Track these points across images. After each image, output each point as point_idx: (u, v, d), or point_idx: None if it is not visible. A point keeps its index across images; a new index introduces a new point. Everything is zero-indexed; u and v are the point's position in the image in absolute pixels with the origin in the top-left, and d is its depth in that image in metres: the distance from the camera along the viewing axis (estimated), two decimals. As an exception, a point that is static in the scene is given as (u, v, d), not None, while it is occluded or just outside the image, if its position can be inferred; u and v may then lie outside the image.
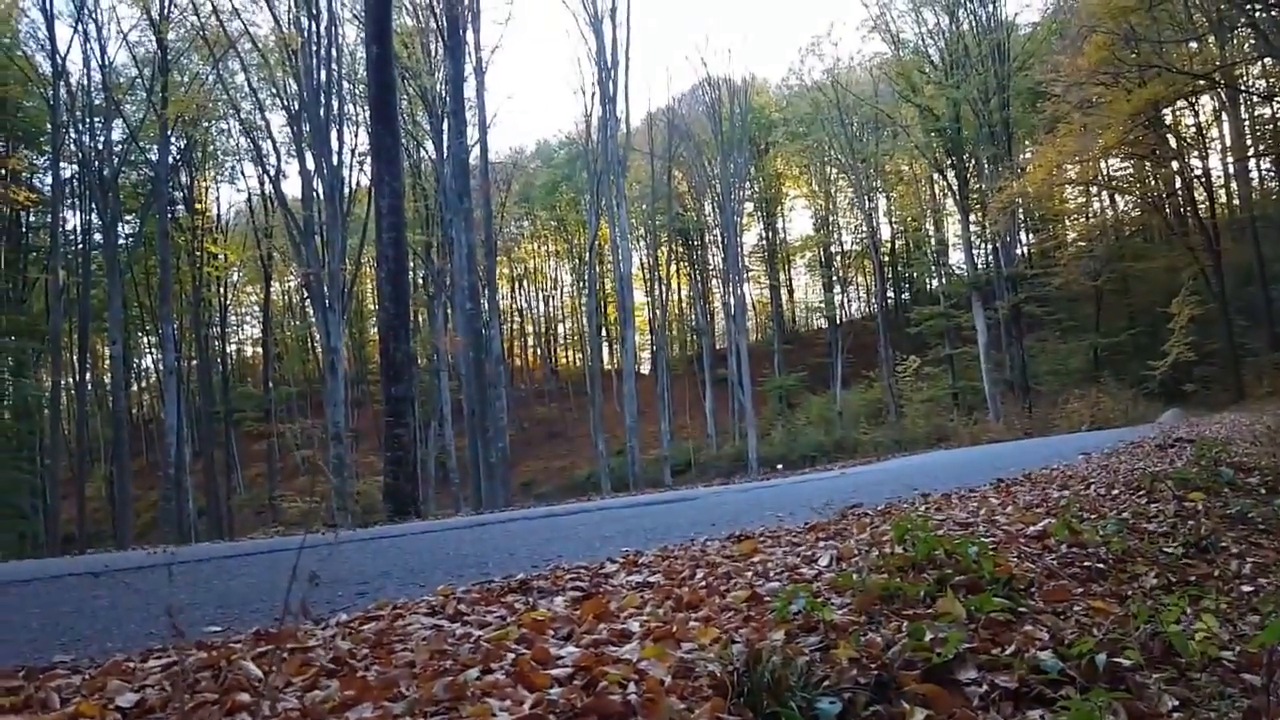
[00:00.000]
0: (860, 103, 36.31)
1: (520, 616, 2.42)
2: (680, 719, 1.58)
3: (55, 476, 27.41)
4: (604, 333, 43.83)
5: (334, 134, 24.38)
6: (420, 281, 35.70)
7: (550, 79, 63.24)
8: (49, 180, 28.88)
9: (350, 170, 26.26)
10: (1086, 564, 3.18)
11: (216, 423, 34.29)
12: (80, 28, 26.61)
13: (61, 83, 26.53)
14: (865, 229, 40.23)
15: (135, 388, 44.40)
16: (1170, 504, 4.46)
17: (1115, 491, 4.93)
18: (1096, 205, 36.16)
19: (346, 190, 25.24)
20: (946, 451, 18.16)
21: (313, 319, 34.51)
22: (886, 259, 42.41)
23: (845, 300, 46.96)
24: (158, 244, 27.69)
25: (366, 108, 24.55)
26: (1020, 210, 31.53)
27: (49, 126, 27.45)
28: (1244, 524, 4.28)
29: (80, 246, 30.80)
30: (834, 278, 45.25)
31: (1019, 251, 33.89)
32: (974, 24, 31.68)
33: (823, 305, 46.28)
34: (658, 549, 3.68)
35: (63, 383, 29.96)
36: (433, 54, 27.24)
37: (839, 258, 45.66)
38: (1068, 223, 36.11)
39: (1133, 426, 15.04)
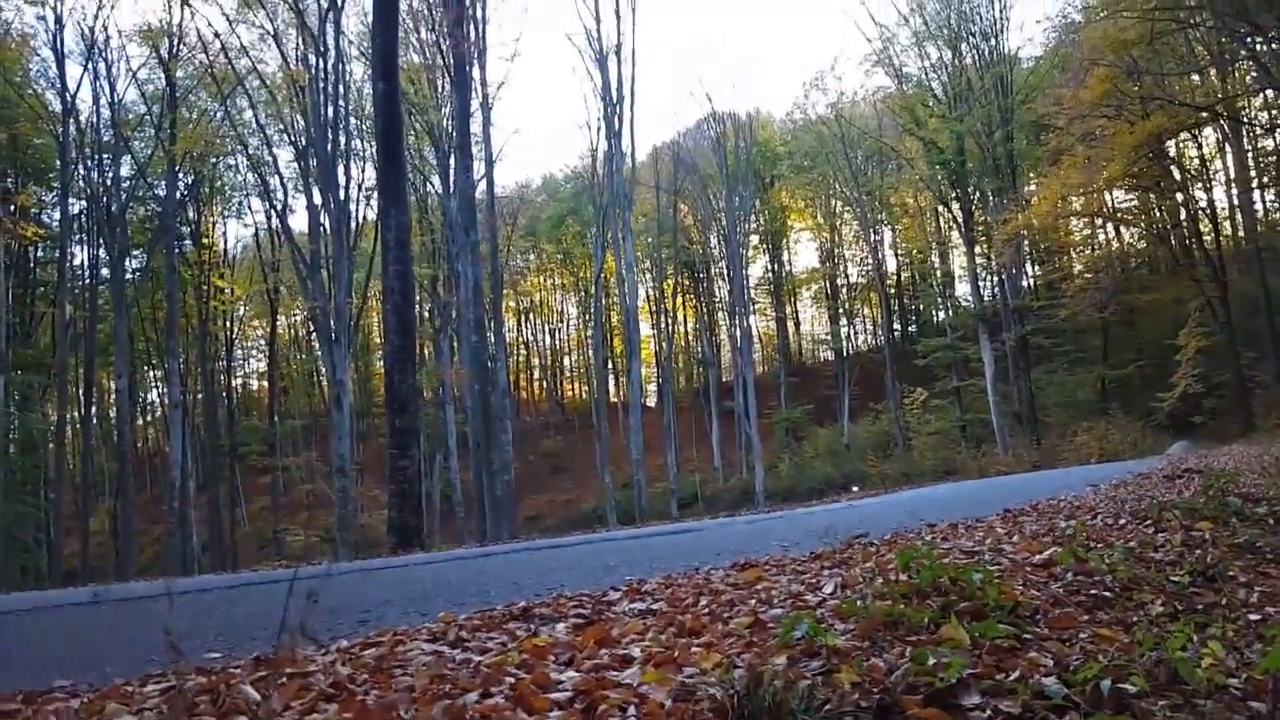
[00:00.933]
0: (864, 136, 36.67)
1: (521, 643, 2.40)
2: (680, 741, 1.57)
3: (59, 510, 27.41)
4: (610, 365, 43.92)
5: (341, 169, 24.76)
6: (426, 314, 35.89)
7: (556, 114, 64.23)
8: (57, 215, 29.27)
9: (357, 204, 26.63)
10: (1093, 592, 3.16)
11: (221, 456, 34.29)
12: (90, 65, 27.18)
13: (71, 120, 26.98)
14: (871, 261, 40.40)
15: (141, 421, 44.51)
16: (1177, 533, 4.42)
17: (1122, 521, 4.90)
18: (1102, 237, 36.31)
19: (353, 224, 25.53)
20: (954, 484, 18.04)
21: (319, 352, 34.74)
22: (892, 291, 42.52)
23: (851, 332, 47.00)
24: (165, 279, 27.95)
25: (373, 143, 25.02)
26: (1025, 242, 31.63)
27: (58, 163, 27.83)
28: (1252, 553, 4.24)
29: (88, 281, 31.08)
30: (840, 310, 45.34)
31: (1025, 283, 33.96)
32: (976, 58, 32.08)
33: (829, 337, 46.33)
34: (661, 577, 3.66)
35: (68, 416, 30.10)
36: (440, 90, 27.67)
37: (845, 290, 45.78)
38: (1073, 254, 36.21)
39: (1141, 459, 14.94)
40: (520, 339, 52.62)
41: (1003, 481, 14.54)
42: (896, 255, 44.46)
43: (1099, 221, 33.67)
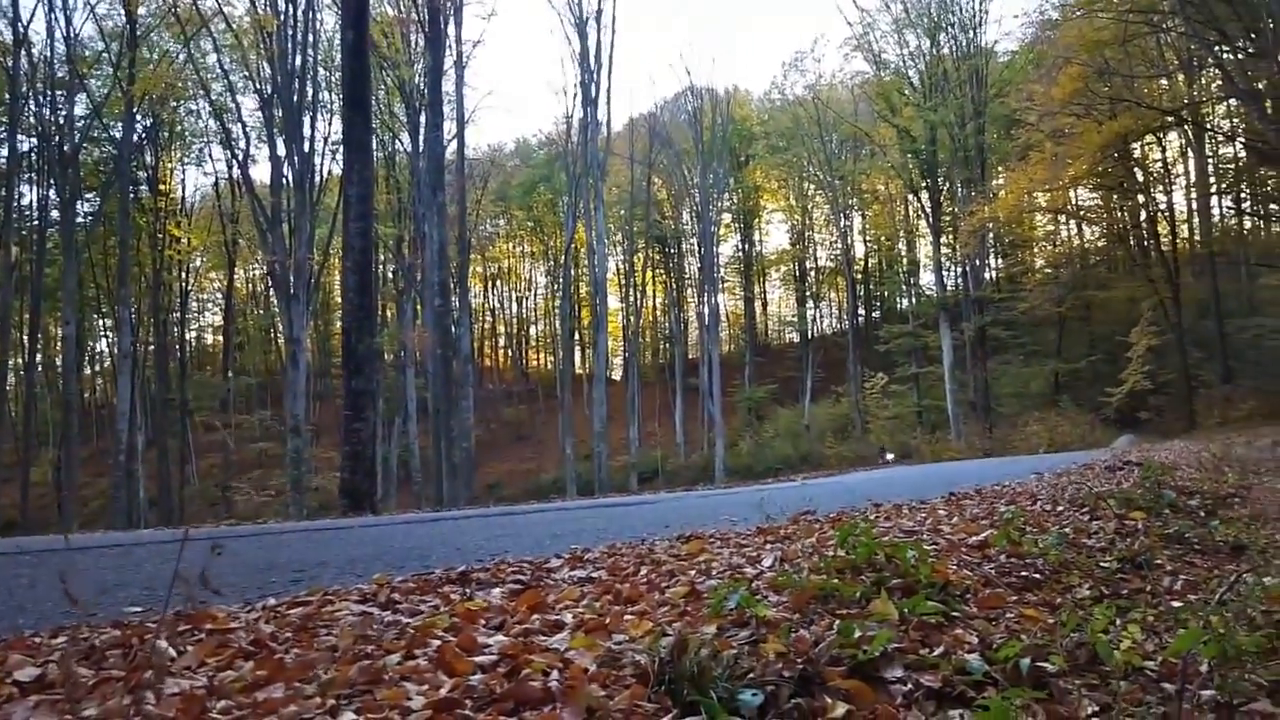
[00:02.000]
0: (840, 120, 36.71)
1: (454, 606, 2.38)
2: (599, 705, 1.56)
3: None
4: (576, 336, 43.74)
5: (307, 120, 24.14)
6: (390, 276, 35.37)
7: (532, 78, 63.23)
8: (4, 152, 28.07)
9: (322, 158, 26.03)
10: (1024, 574, 3.22)
11: (171, 411, 33.58)
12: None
13: (22, 52, 25.84)
14: (840, 246, 40.63)
15: (88, 371, 43.42)
16: (1111, 521, 4.54)
17: (1060, 508, 5.01)
18: (1064, 233, 36.90)
19: (317, 178, 24.97)
20: (908, 467, 18.35)
21: (276, 309, 34.07)
22: (859, 276, 42.83)
23: (817, 315, 47.36)
24: (118, 224, 27.08)
25: (341, 93, 24.37)
26: (990, 235, 32.05)
27: (7, 96, 26.68)
28: (1180, 544, 4.37)
29: (36, 223, 29.99)
30: (807, 292, 45.59)
31: (987, 275, 34.45)
32: (954, 49, 32.21)
33: (795, 319, 46.60)
34: (605, 546, 3.66)
35: (10, 362, 29.17)
36: (413, 45, 27.05)
37: (813, 273, 46.03)
38: (1035, 249, 36.81)
39: (1088, 450, 15.32)
40: (486, 305, 52.14)
41: (954, 467, 14.82)
42: (865, 241, 44.81)
43: (1062, 218, 34.24)
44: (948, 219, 31.91)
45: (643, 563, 3.19)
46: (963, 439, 27.33)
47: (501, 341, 54.71)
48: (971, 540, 3.60)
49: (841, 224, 40.03)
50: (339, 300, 42.50)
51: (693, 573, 2.94)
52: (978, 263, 32.30)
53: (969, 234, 28.55)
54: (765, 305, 50.58)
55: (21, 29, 25.76)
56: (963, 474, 9.80)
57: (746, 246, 46.64)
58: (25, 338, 29.99)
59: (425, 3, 22.67)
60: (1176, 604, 2.94)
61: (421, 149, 25.23)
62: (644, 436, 36.17)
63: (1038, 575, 3.17)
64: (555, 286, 46.09)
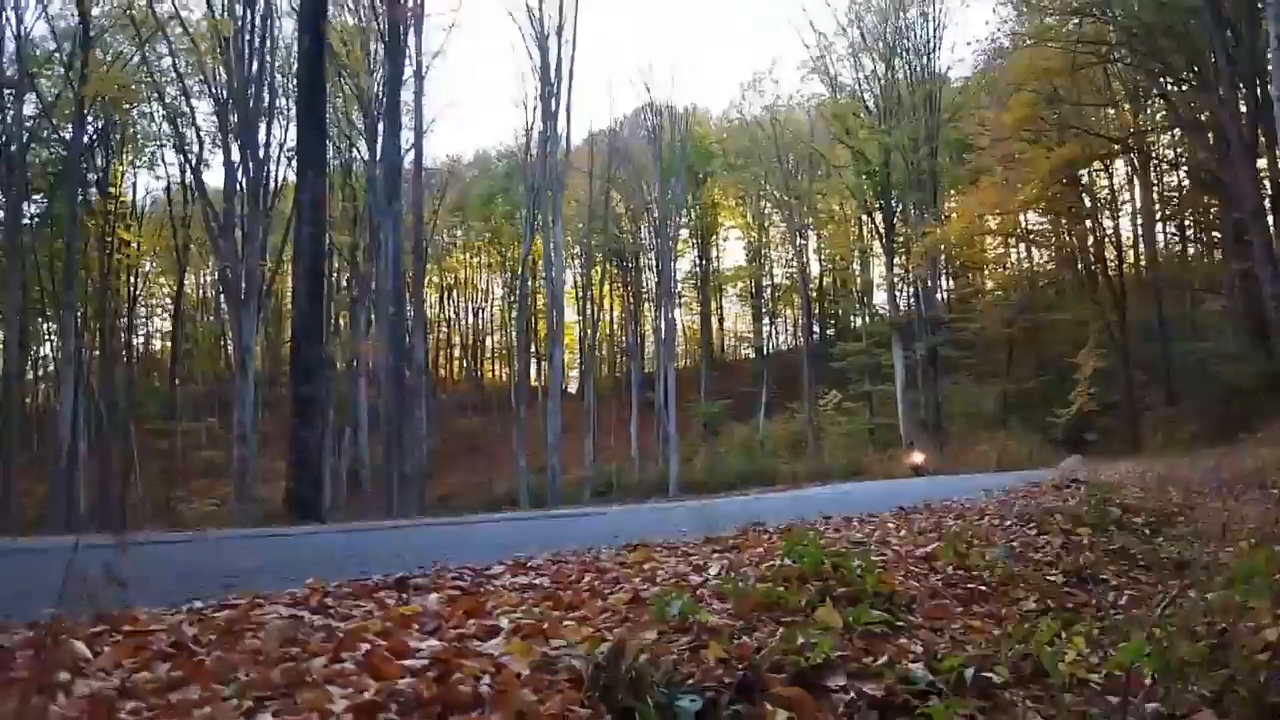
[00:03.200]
0: (797, 141, 37.24)
1: (388, 611, 2.31)
2: (530, 710, 1.51)
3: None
4: (533, 349, 43.46)
5: (262, 127, 23.73)
6: (344, 284, 34.81)
7: (492, 90, 63.14)
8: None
9: (277, 165, 25.56)
10: (970, 586, 3.24)
11: (116, 417, 32.56)
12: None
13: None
14: (795, 264, 41.11)
15: (31, 375, 41.95)
16: (1058, 537, 4.60)
17: (1008, 523, 5.07)
18: (1014, 256, 37.81)
19: (271, 185, 24.55)
20: (860, 483, 18.53)
21: (227, 315, 33.28)
22: (814, 295, 43.34)
23: (773, 332, 47.75)
24: (65, 226, 26.33)
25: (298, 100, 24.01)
26: (942, 256, 32.71)
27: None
28: (1125, 559, 4.44)
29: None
30: (763, 309, 45.99)
31: (939, 296, 35.11)
32: (909, 74, 32.92)
33: (751, 335, 46.96)
34: (550, 554, 3.59)
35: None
36: (372, 54, 26.81)
37: (769, 290, 46.46)
38: (986, 271, 37.65)
39: (1036, 469, 15.63)
40: (442, 316, 51.62)
41: (905, 484, 15.01)
42: (820, 260, 45.38)
43: (1012, 241, 35.09)
44: (901, 240, 32.51)
45: (587, 570, 3.14)
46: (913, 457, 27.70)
47: (456, 352, 54.17)
48: (919, 552, 3.62)
49: (797, 242, 40.53)
50: (289, 309, 41.74)
51: (637, 580, 2.90)
52: (930, 283, 32.93)
53: (921, 255, 29.10)
54: (722, 321, 50.90)
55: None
56: (912, 490, 9.91)
57: (704, 263, 46.95)
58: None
59: (385, 12, 22.50)
60: (1121, 618, 2.98)
61: (379, 157, 24.96)
62: (599, 450, 36.02)
63: (984, 588, 3.19)
64: (512, 298, 45.79)
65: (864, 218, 36.94)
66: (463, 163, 49.69)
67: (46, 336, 38.31)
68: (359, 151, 29.71)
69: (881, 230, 33.33)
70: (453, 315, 53.48)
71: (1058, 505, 5.79)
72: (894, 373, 31.00)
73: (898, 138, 31.25)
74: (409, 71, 24.10)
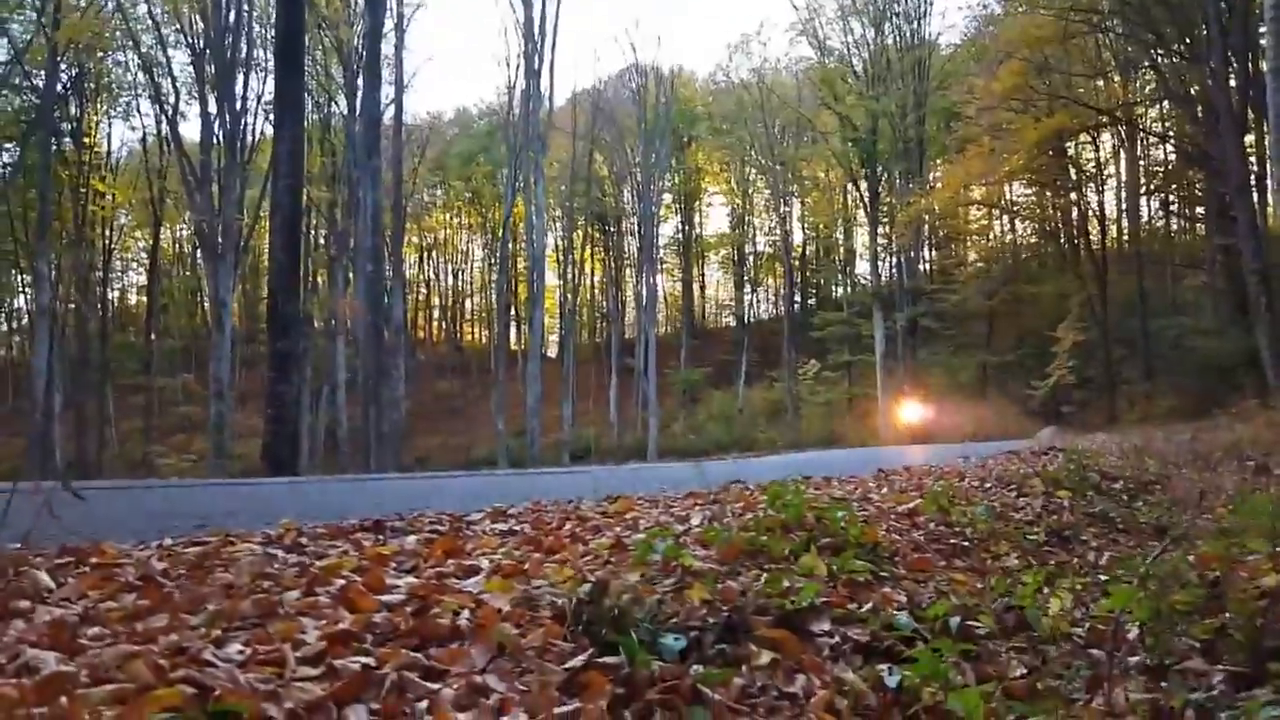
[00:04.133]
0: (783, 105, 36.86)
1: (365, 551, 2.25)
2: (510, 642, 1.47)
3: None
4: (513, 311, 43.19)
5: (240, 78, 23.19)
6: (322, 240, 34.31)
7: (474, 45, 61.69)
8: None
9: (254, 118, 24.96)
10: (952, 541, 3.23)
11: (92, 371, 32.11)
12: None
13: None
14: (779, 231, 40.96)
15: (4, 328, 41.25)
16: (1038, 499, 4.62)
17: (988, 485, 5.08)
18: (998, 228, 37.87)
19: (249, 138, 24.02)
20: (838, 451, 18.66)
21: (203, 269, 32.71)
22: (796, 263, 43.27)
23: (755, 300, 47.70)
24: (38, 176, 25.71)
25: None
26: (926, 226, 32.68)
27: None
28: (1105, 522, 4.46)
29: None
30: (745, 277, 45.88)
31: (921, 267, 35.16)
32: (898, 39, 32.59)
33: (732, 303, 46.91)
34: (530, 503, 3.55)
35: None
36: (352, 5, 26.14)
37: (752, 258, 46.32)
38: (969, 242, 37.69)
39: (1012, 440, 15.78)
40: (421, 276, 51.06)
41: (884, 450, 15.11)
42: (804, 228, 45.23)
43: (996, 212, 35.11)
44: (885, 209, 32.43)
45: (568, 519, 3.10)
46: (891, 426, 27.94)
47: (436, 314, 53.74)
48: (901, 509, 3.61)
49: (781, 209, 40.34)
50: (268, 264, 41.12)
51: (619, 528, 2.86)
52: (912, 254, 32.94)
53: (905, 225, 29.03)
54: (704, 288, 50.76)
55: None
56: (892, 456, 9.96)
57: (686, 228, 46.68)
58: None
59: (367, -41, 21.88)
60: (1103, 577, 2.99)
61: (358, 112, 24.45)
62: (578, 415, 35.99)
63: (966, 543, 3.19)
64: (492, 260, 45.39)
65: (849, 186, 36.77)
66: (443, 120, 48.85)
67: (20, 289, 37.58)
68: (338, 106, 29.11)
69: (866, 199, 33.22)
70: (432, 276, 52.93)
71: (1037, 470, 5.82)
72: (874, 343, 31.11)
73: (885, 104, 31.00)
74: (389, 24, 23.59)
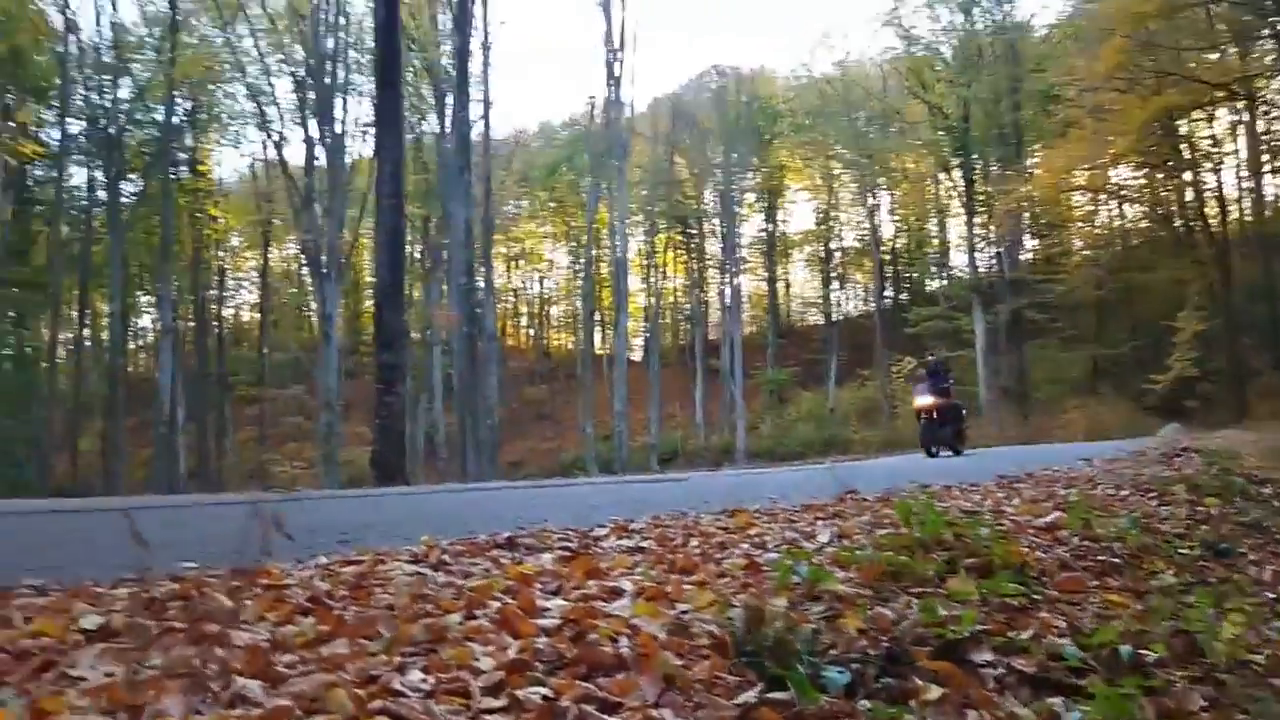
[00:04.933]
0: (868, 97, 36.03)
1: (506, 569, 2.30)
2: (677, 674, 1.46)
3: (50, 429, 27.30)
4: (597, 316, 43.62)
5: (338, 102, 24.22)
6: (418, 256, 35.43)
7: (557, 58, 62.67)
8: (56, 135, 28.72)
9: (352, 139, 26.07)
10: (1100, 557, 3.07)
11: (210, 385, 34.10)
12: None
13: (72, 37, 26.33)
14: (867, 225, 40.02)
15: (132, 346, 44.14)
16: (1183, 508, 4.35)
17: (1124, 493, 4.82)
18: (1104, 213, 36.03)
19: (348, 160, 25.07)
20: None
21: (309, 286, 34.31)
22: (887, 257, 42.22)
23: (843, 297, 46.74)
24: (160, 204, 27.55)
25: (372, 77, 24.37)
26: (1026, 215, 31.37)
27: (58, 81, 27.25)
28: (1260, 532, 4.17)
29: (84, 203, 30.58)
30: (832, 273, 45.04)
31: (1023, 257, 33.76)
32: (989, 23, 31.44)
33: (820, 301, 46.10)
34: (649, 518, 3.55)
35: (61, 337, 29.87)
36: (440, 26, 26.94)
37: (839, 253, 45.43)
38: (1074, 230, 35.97)
39: (1132, 439, 14.97)
40: (509, 285, 52.15)
41: (992, 452, 14.57)
42: (893, 221, 44.07)
43: (1102, 197, 33.41)
44: (981, 198, 31.27)
45: (691, 534, 3.09)
46: (996, 426, 26.91)
47: (523, 321, 54.77)
48: (1038, 522, 3.45)
49: (869, 203, 39.45)
50: (368, 279, 42.74)
51: (745, 545, 2.84)
52: (1012, 244, 31.66)
53: (1004, 213, 27.92)
54: (789, 286, 49.93)
55: (70, 15, 26.23)
56: (1002, 459, 9.59)
57: (770, 226, 46.10)
58: (75, 313, 30.67)
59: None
60: (1270, 595, 2.78)
61: (448, 130, 25.17)
62: (664, 418, 36.05)
63: (1116, 559, 3.02)
64: (577, 267, 45.92)
65: (941, 175, 35.64)
66: (527, 133, 49.78)
67: (145, 309, 40.20)
68: (429, 125, 30.04)
69: (960, 188, 32.13)
70: (520, 285, 54.01)
71: (1174, 474, 5.49)
72: (973, 338, 30.04)
73: (977, 91, 29.92)
74: (476, 43, 24.19)
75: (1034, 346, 30.33)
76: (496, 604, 1.84)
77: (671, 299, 47.96)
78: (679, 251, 45.70)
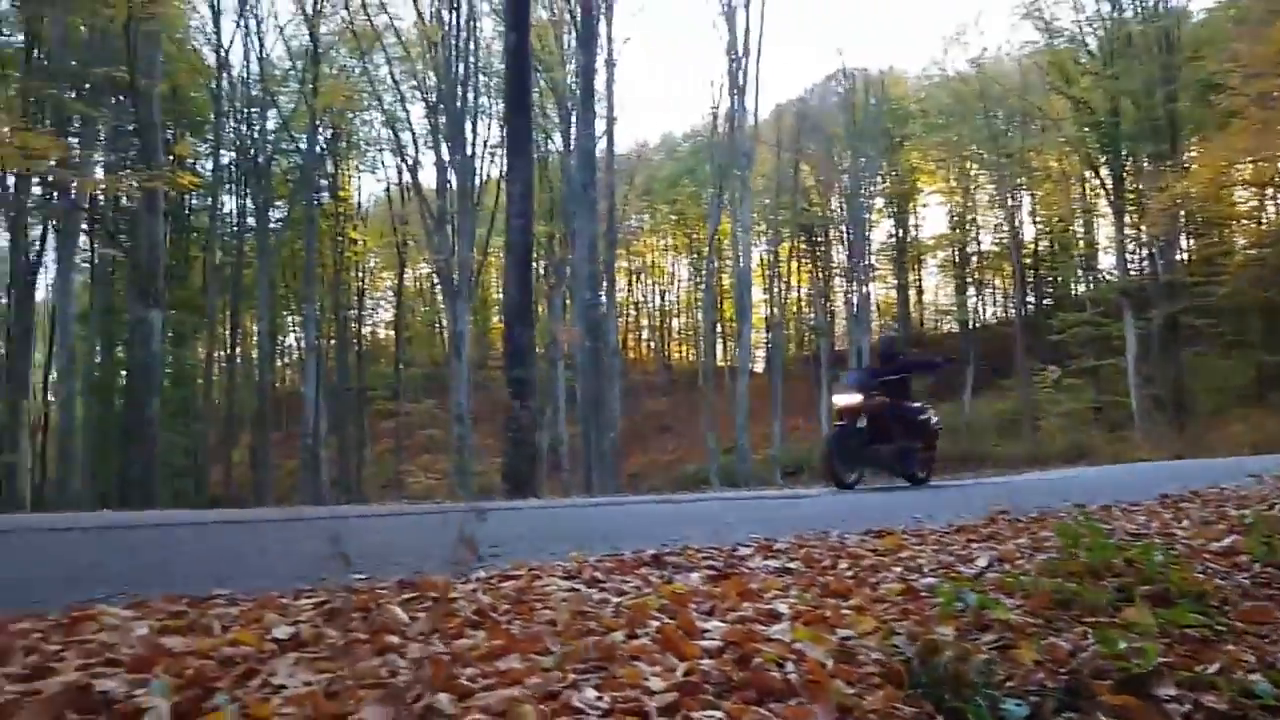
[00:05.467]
0: (1007, 95, 34.45)
1: (658, 588, 2.33)
2: (852, 704, 1.44)
3: (205, 441, 29.65)
4: (718, 328, 43.49)
5: (468, 125, 25.24)
6: (542, 271, 36.44)
7: (679, 71, 63.24)
8: (210, 166, 31.26)
9: (481, 161, 27.15)
10: (1287, 586, 2.81)
11: (350, 399, 36.15)
12: (242, 22, 28.61)
13: (224, 74, 28.60)
14: (1006, 228, 38.19)
15: (279, 363, 47.35)
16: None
17: (1310, 514, 4.39)
18: (1271, 209, 32.98)
19: (477, 180, 26.10)
20: (1089, 468, 17.01)
21: (441, 304, 35.87)
22: (1028, 261, 40.13)
23: (979, 303, 44.72)
24: (304, 228, 29.46)
25: (499, 100, 25.39)
26: (1182, 213, 29.11)
27: (211, 115, 29.72)
28: None
29: (235, 228, 33.14)
30: (968, 279, 43.18)
31: (1178, 257, 31.33)
32: (1139, 11, 29.46)
33: (954, 308, 44.29)
34: (793, 537, 3.51)
35: (215, 355, 32.44)
36: (564, 46, 27.70)
37: (975, 258, 43.52)
38: (1236, 227, 33.09)
39: (1308, 452, 13.62)
40: (630, 299, 52.81)
41: (1144, 468, 13.59)
42: (1035, 223, 41.84)
43: (1269, 191, 30.61)
44: (1132, 196, 29.24)
45: (839, 556, 3.03)
46: (1149, 439, 25.05)
47: (645, 334, 55.29)
48: (1213, 546, 3.20)
49: (1008, 205, 37.64)
50: (495, 296, 44.36)
51: (899, 569, 2.76)
52: (1167, 244, 29.43)
53: (1158, 212, 25.99)
54: (920, 293, 48.27)
55: (223, 53, 28.52)
56: (1160, 475, 8.92)
57: (900, 232, 44.72)
58: (227, 333, 33.19)
59: (580, 3, 23.11)
60: None
61: (572, 147, 25.80)
62: (788, 430, 35.47)
63: (1307, 589, 2.76)
64: (698, 279, 45.98)
65: (1087, 174, 33.58)
66: (649, 147, 50.41)
67: (291, 328, 43.16)
68: (553, 143, 30.88)
69: (1109, 186, 30.15)
70: (641, 298, 54.61)
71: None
72: (1124, 345, 28.07)
73: (1127, 83, 28.05)
74: (600, 60, 24.72)
75: (1191, 354, 28.05)
76: (655, 623, 1.87)
77: (795, 309, 47.30)
78: (803, 260, 45.03)
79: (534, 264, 35.58)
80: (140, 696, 1.31)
